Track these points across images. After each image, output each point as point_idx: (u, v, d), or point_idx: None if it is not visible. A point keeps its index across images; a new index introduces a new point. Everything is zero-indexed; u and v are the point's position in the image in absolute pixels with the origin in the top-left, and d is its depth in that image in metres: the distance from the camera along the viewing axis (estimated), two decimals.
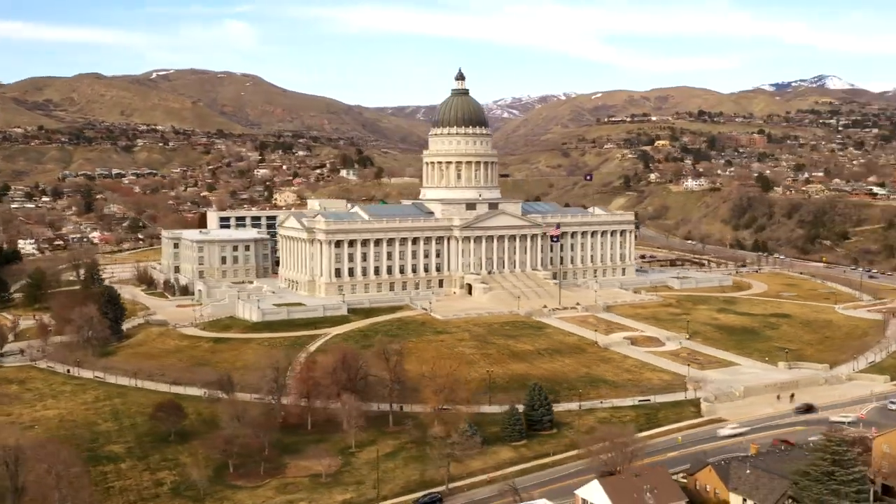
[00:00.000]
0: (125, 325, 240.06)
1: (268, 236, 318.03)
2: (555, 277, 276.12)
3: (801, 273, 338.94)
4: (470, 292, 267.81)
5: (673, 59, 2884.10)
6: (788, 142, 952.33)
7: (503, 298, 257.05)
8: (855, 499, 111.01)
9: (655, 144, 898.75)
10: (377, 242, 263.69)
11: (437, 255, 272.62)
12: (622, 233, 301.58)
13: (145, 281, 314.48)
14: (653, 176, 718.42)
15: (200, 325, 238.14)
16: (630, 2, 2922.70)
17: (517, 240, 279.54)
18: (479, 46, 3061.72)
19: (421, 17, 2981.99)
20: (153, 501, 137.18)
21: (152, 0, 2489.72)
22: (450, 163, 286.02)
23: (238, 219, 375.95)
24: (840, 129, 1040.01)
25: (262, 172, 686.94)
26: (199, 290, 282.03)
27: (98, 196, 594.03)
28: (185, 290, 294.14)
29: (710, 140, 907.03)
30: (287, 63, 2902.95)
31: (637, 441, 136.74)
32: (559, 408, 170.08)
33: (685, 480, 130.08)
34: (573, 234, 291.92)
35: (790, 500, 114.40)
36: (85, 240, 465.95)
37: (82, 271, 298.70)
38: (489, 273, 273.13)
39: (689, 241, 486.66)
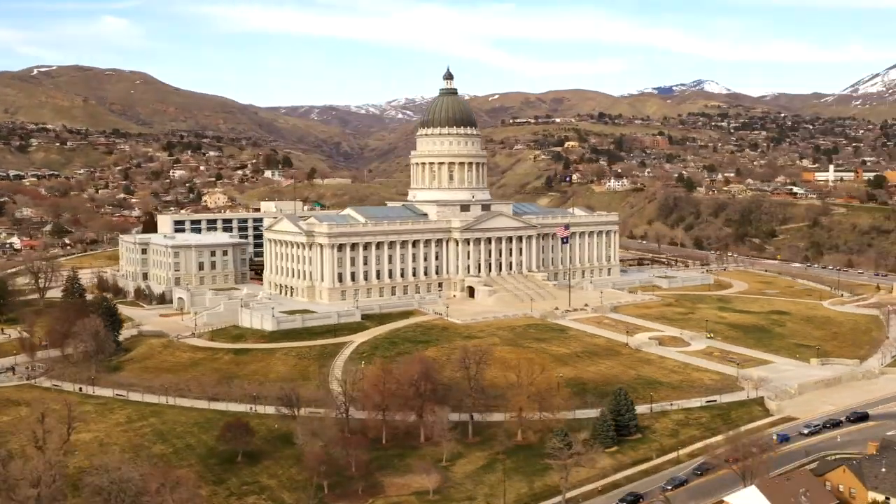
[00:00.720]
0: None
1: (245, 240, 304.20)
2: (551, 279, 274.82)
3: (766, 271, 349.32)
4: (471, 295, 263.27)
5: (558, 64, 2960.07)
6: (688, 143, 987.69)
7: (509, 301, 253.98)
8: None
9: (566, 146, 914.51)
10: (378, 245, 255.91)
11: (436, 258, 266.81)
12: (607, 233, 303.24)
13: (109, 289, 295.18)
14: (575, 177, 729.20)
15: (206, 336, 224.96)
16: (514, 8, 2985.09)
17: (513, 241, 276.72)
18: (367, 48, 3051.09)
19: (308, 18, 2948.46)
20: None
21: None
22: (442, 163, 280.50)
23: (193, 222, 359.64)
24: (731, 131, 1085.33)
25: (179, 174, 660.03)
26: (180, 298, 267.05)
27: (1, 199, 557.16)
28: (162, 299, 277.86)
29: (617, 142, 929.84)
30: (176, 61, 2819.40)
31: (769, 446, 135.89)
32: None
33: None
34: (552, 236, 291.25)
35: None
36: (6, 246, 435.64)
37: (41, 280, 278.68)
38: (489, 275, 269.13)
39: (642, 241, 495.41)
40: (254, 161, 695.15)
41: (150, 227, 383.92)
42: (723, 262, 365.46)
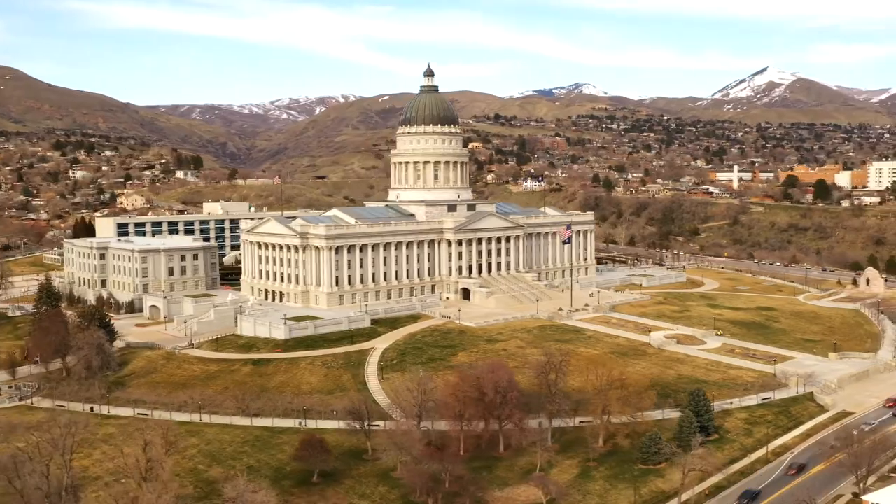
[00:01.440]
0: None
1: (216, 244, 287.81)
2: (539, 279, 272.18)
3: (722, 268, 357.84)
4: (465, 297, 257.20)
5: (440, 66, 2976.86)
6: (586, 144, 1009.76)
7: (508, 303, 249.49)
8: None
9: (469, 146, 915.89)
10: (374, 248, 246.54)
11: (428, 260, 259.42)
12: (584, 233, 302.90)
13: (62, 299, 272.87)
14: (490, 177, 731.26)
15: (207, 346, 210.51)
16: (393, 10, 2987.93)
17: (502, 241, 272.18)
18: (246, 47, 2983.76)
19: (183, 16, 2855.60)
20: None
21: None
22: (427, 162, 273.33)
23: (137, 225, 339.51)
24: (622, 133, 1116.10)
25: (80, 174, 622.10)
26: (154, 307, 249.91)
27: None
28: (131, 308, 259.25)
29: (520, 143, 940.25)
30: (48, 56, 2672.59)
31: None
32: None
33: None
34: (545, 235, 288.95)
35: None
36: None
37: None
38: (480, 277, 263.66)
39: None
40: (162, 161, 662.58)
41: (84, 231, 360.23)
42: (673, 262, 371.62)
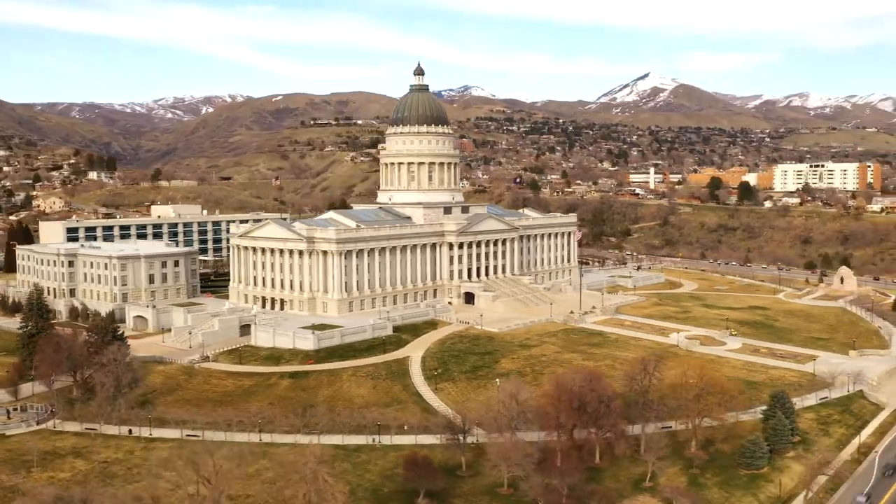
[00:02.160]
0: None
1: (197, 250, 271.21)
2: (535, 281, 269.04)
3: (686, 268, 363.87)
4: (468, 301, 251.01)
5: (324, 68, 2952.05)
6: (492, 146, 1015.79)
7: (514, 306, 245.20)
8: None
9: (378, 147, 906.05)
10: (381, 252, 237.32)
11: (431, 264, 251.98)
12: (567, 234, 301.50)
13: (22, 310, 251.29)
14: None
15: (230, 360, 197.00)
16: (275, 10, 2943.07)
17: (499, 244, 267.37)
18: (124, 45, 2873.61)
19: (55, 12, 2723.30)
20: None
21: None
22: (422, 163, 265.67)
23: (88, 230, 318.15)
24: (522, 135, 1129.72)
25: None
26: (140, 317, 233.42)
27: None
28: (112, 318, 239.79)
29: None
30: None
31: None
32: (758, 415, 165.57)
33: None
34: (534, 238, 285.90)
35: None
36: None
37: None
38: (480, 280, 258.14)
39: None
40: (71, 161, 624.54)
41: (22, 236, 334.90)
42: (635, 262, 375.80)
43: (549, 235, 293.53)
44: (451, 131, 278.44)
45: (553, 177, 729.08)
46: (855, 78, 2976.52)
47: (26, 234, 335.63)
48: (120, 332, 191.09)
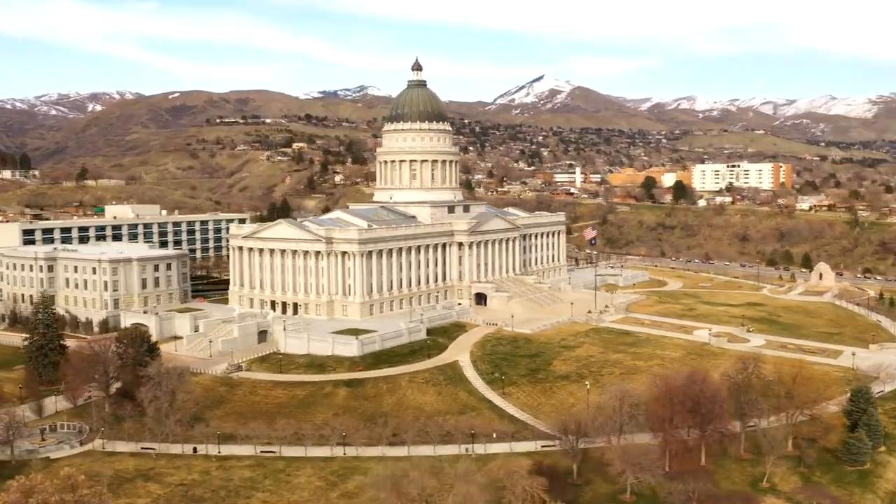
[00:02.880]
0: None
1: (188, 252, 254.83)
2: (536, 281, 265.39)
3: (656, 265, 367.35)
4: (479, 302, 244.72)
5: (216, 67, 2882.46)
6: None
7: (529, 306, 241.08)
8: None
9: (293, 147, 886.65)
10: (398, 252, 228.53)
11: (441, 264, 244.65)
12: (556, 233, 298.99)
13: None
14: (339, 177, 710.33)
15: (267, 369, 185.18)
16: (159, 7, 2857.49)
17: (504, 243, 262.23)
18: None
19: None
20: None
21: None
22: (425, 161, 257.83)
23: (45, 231, 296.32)
24: None
25: None
26: (139, 325, 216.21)
27: None
28: (105, 327, 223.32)
29: (347, 144, 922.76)
30: None
31: None
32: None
33: None
34: (530, 237, 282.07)
35: None
36: None
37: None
38: (488, 280, 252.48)
39: None
40: None
41: None
42: (606, 259, 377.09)
43: (543, 234, 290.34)
44: (450, 128, 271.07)
45: (479, 176, 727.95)
46: (735, 83, 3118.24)
47: None
48: (154, 343, 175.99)
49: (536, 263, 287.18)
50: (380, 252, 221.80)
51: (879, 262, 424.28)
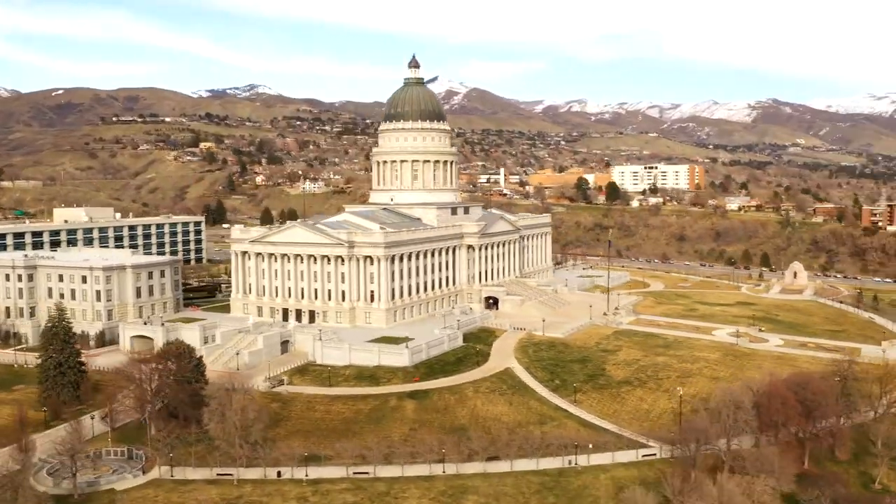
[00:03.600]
0: None
1: (180, 259, 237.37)
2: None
3: (623, 266, 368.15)
4: (489, 306, 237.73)
5: (106, 64, 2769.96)
6: (311, 146, 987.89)
7: (542, 310, 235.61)
8: None
9: (201, 147, 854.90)
10: (416, 256, 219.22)
11: (451, 267, 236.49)
12: (544, 235, 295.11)
13: None
14: (259, 178, 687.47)
15: (311, 381, 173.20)
16: (28, 4, 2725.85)
17: (506, 246, 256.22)
18: None
19: None
20: None
21: None
22: (427, 161, 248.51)
23: (16, 236, 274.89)
24: (336, 135, 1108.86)
25: None
26: (141, 338, 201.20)
27: None
28: (101, 340, 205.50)
29: (257, 144, 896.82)
30: None
31: None
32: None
33: None
34: (526, 239, 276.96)
35: None
36: None
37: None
38: (493, 283, 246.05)
39: None
40: None
41: None
42: (575, 262, 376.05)
43: (534, 236, 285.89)
44: (449, 127, 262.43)
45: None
46: (622, 87, 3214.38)
47: None
48: (199, 357, 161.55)
49: (530, 265, 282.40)
50: (401, 256, 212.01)
51: (813, 260, 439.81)
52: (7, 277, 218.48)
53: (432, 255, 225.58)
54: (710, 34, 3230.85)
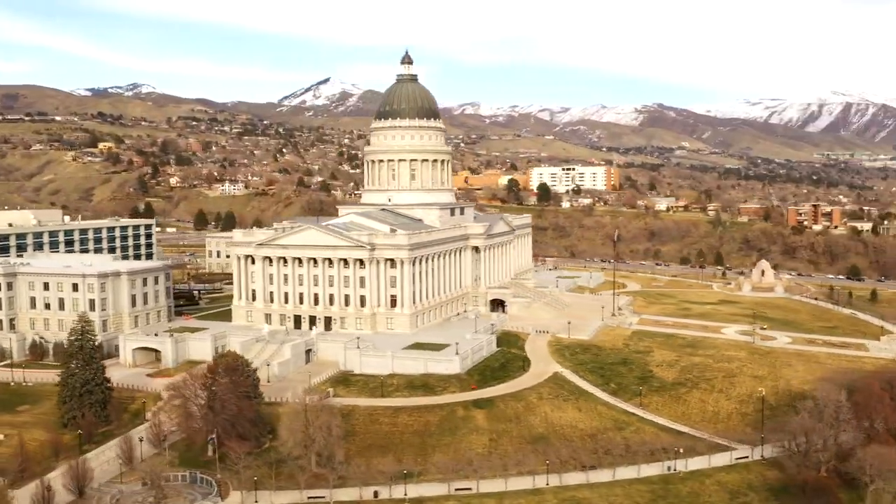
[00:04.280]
0: None
1: (172, 264, 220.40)
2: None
3: (585, 267, 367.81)
4: (496, 309, 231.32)
5: None
6: (213, 147, 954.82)
7: (551, 312, 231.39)
8: None
9: (100, 147, 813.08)
10: (432, 259, 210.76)
11: (458, 270, 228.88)
12: (526, 236, 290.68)
13: None
14: (174, 180, 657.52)
15: (356, 393, 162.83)
16: None
17: (504, 247, 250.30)
18: None
19: None
20: None
21: None
22: (425, 160, 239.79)
23: None
24: (237, 136, 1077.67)
25: None
26: (146, 350, 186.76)
27: None
28: (100, 353, 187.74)
29: (162, 145, 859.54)
30: None
31: None
32: None
33: None
34: (515, 239, 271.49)
35: None
36: None
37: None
38: (497, 285, 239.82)
39: None
40: None
41: None
42: (543, 263, 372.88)
43: (521, 237, 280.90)
44: (444, 126, 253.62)
45: (320, 178, 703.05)
46: (511, 90, 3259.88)
47: None
48: (254, 370, 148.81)
49: (520, 267, 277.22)
50: (421, 259, 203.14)
51: (745, 258, 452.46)
52: None
53: (442, 257, 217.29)
54: (587, 41, 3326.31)
